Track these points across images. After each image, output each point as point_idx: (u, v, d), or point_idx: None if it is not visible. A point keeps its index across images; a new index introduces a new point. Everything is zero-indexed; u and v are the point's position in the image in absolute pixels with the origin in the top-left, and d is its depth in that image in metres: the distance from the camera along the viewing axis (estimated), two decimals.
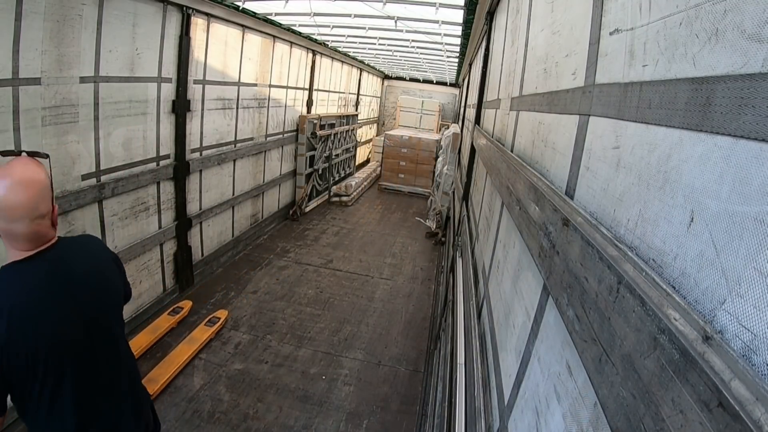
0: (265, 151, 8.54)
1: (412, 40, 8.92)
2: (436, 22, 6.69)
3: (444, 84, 17.87)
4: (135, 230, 5.14)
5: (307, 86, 10.22)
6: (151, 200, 5.38)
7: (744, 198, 0.55)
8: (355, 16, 7.03)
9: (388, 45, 10.06)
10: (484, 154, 3.66)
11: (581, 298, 0.89)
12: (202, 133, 6.28)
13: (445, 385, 3.54)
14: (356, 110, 14.85)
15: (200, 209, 6.53)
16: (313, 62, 10.26)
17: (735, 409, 0.42)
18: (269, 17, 7.18)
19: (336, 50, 11.27)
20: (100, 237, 4.58)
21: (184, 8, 5.30)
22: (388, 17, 6.79)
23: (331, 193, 12.15)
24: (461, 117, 11.83)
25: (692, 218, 0.65)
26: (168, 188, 5.68)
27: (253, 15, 6.80)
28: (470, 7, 5.25)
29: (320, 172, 11.31)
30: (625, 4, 1.04)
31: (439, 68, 13.88)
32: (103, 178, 4.52)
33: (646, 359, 0.60)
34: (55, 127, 3.85)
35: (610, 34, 1.12)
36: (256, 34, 7.37)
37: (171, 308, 5.59)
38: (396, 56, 12.22)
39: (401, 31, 7.67)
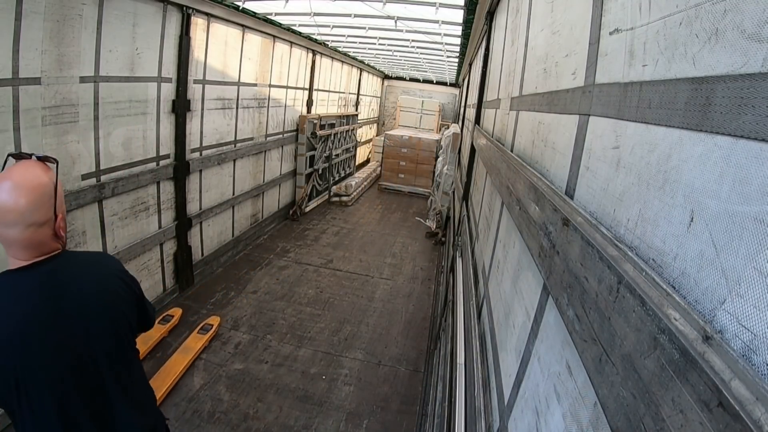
0: (265, 151, 8.54)
1: (412, 40, 8.92)
2: (436, 22, 6.69)
3: (444, 84, 17.87)
4: (135, 230, 5.14)
5: (307, 86, 10.22)
6: (151, 200, 5.38)
7: (744, 198, 0.55)
8: (355, 16, 7.03)
9: (388, 45, 10.06)
10: (484, 153, 3.66)
11: (581, 298, 0.89)
12: (202, 132, 6.28)
13: (445, 384, 3.54)
14: (356, 110, 14.85)
15: (200, 209, 6.53)
16: (313, 62, 10.26)
17: (735, 409, 0.42)
18: (269, 17, 7.18)
19: (336, 50, 11.27)
20: (99, 237, 4.58)
21: (184, 8, 5.30)
22: (388, 17, 6.79)
23: (331, 193, 12.15)
24: (461, 117, 11.83)
25: (692, 218, 0.65)
26: (168, 188, 5.68)
27: (253, 15, 6.80)
28: (470, 7, 5.25)
29: (320, 172, 11.31)
30: (625, 4, 1.04)
31: (439, 68, 13.89)
32: (103, 177, 4.52)
33: (646, 359, 0.60)
34: (55, 126, 3.85)
35: (610, 33, 1.12)
36: (256, 34, 7.37)
37: (161, 316, 5.44)
38: (396, 56, 12.22)
39: (401, 31, 7.67)
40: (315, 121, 10.34)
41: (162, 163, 5.45)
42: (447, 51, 9.55)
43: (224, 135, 6.93)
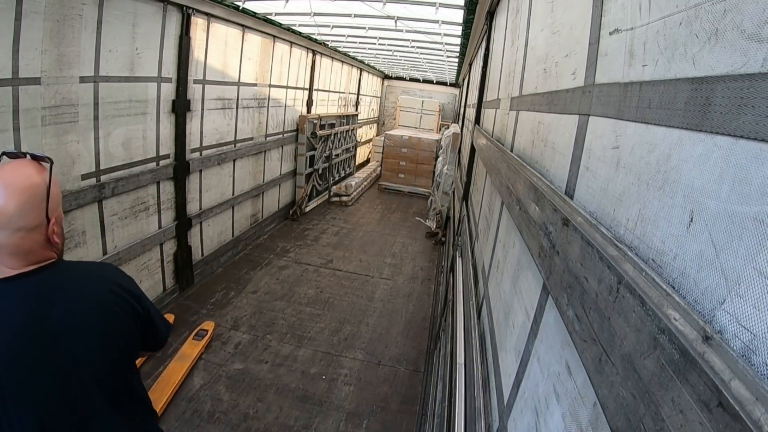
0: (265, 151, 8.54)
1: (412, 40, 8.92)
2: (436, 22, 6.69)
3: (444, 84, 17.88)
4: (135, 230, 5.15)
5: (307, 86, 10.22)
6: (151, 200, 5.38)
7: (744, 198, 0.55)
8: (355, 16, 7.03)
9: (388, 45, 10.07)
10: (484, 153, 3.66)
11: (581, 298, 0.89)
12: (202, 132, 6.28)
13: (445, 384, 3.54)
14: (356, 110, 14.85)
15: (200, 209, 6.53)
16: (313, 62, 10.26)
17: (735, 409, 0.42)
18: (269, 17, 7.18)
19: (336, 50, 11.27)
20: (99, 237, 4.58)
21: (184, 8, 5.30)
22: (388, 17, 6.79)
23: (331, 193, 12.15)
24: (461, 117, 11.84)
25: (692, 218, 0.65)
26: (168, 188, 5.68)
27: (253, 15, 6.80)
28: (470, 7, 5.25)
29: (320, 172, 11.31)
30: (625, 4, 1.04)
31: (439, 68, 13.89)
32: (103, 177, 4.52)
33: (646, 359, 0.60)
34: (55, 126, 3.85)
35: (610, 34, 1.12)
36: (256, 33, 7.37)
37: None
38: (396, 56, 12.22)
39: (401, 31, 7.67)
40: (315, 121, 10.34)
41: (162, 163, 5.45)
42: (447, 51, 9.55)
43: (224, 135, 6.93)
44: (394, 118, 18.43)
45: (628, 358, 0.65)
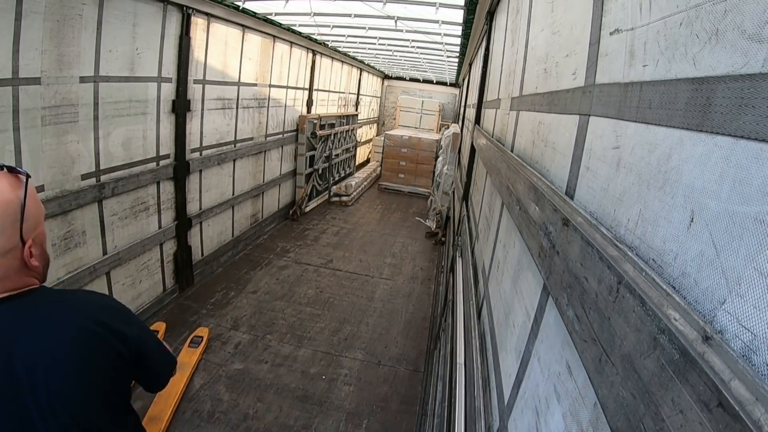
0: (265, 151, 8.54)
1: (412, 40, 8.92)
2: (436, 22, 6.69)
3: (444, 84, 17.87)
4: (135, 230, 5.15)
5: (307, 86, 10.22)
6: (150, 200, 5.38)
7: (744, 198, 0.55)
8: (355, 16, 7.03)
9: (388, 45, 10.06)
10: (484, 154, 3.66)
11: (581, 298, 0.89)
12: (202, 132, 6.28)
13: (445, 384, 3.54)
14: (356, 110, 14.85)
15: (200, 209, 6.53)
16: (313, 62, 10.26)
17: (735, 409, 0.42)
18: (269, 17, 7.18)
19: (336, 50, 11.27)
20: (99, 237, 4.58)
21: (184, 8, 5.30)
22: (388, 17, 6.78)
23: (331, 193, 12.15)
24: (461, 117, 11.83)
25: (692, 218, 0.65)
26: (168, 188, 5.68)
27: (253, 15, 6.80)
28: (470, 7, 5.25)
29: (320, 172, 11.31)
30: (625, 4, 1.04)
31: (439, 68, 13.89)
32: (103, 177, 4.52)
33: (646, 359, 0.60)
34: (55, 126, 3.85)
35: (611, 34, 1.12)
36: (256, 34, 7.37)
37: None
38: (396, 56, 12.22)
39: (401, 31, 7.67)
40: (315, 121, 10.34)
41: (162, 163, 5.45)
42: (447, 51, 9.55)
43: (224, 135, 6.93)
44: (394, 118, 18.43)
45: (628, 358, 0.65)
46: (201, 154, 6.32)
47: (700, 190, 0.65)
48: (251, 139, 7.84)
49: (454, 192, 8.62)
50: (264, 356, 5.08)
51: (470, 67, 9.13)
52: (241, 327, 5.62)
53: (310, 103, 10.50)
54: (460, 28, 6.57)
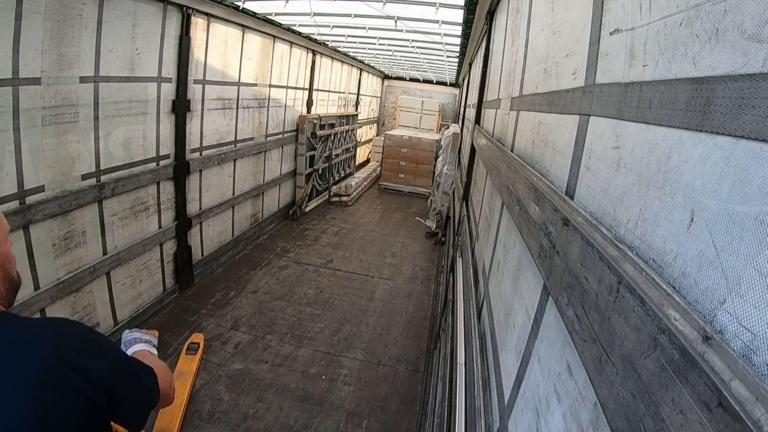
0: (265, 151, 8.54)
1: (412, 40, 8.92)
2: (436, 22, 6.69)
3: (444, 84, 17.87)
4: (135, 230, 5.15)
5: (307, 86, 10.22)
6: (151, 200, 5.38)
7: (744, 198, 0.55)
8: (355, 16, 7.03)
9: (388, 45, 10.06)
10: (484, 154, 3.66)
11: (581, 298, 0.89)
12: (202, 133, 6.28)
13: (445, 384, 3.54)
14: (356, 110, 14.85)
15: (200, 209, 6.53)
16: (313, 62, 10.26)
17: (735, 409, 0.42)
18: (269, 17, 7.18)
19: (336, 50, 11.27)
20: (99, 237, 4.58)
21: (184, 8, 5.30)
22: (388, 17, 6.78)
23: (331, 193, 12.15)
24: (461, 117, 11.84)
25: (692, 218, 0.65)
26: (168, 188, 5.68)
27: (253, 15, 6.80)
28: (470, 7, 5.25)
29: (320, 172, 11.31)
30: (625, 4, 1.04)
31: (439, 68, 13.89)
32: (103, 177, 4.52)
33: (646, 359, 0.60)
34: (55, 126, 3.85)
35: (611, 34, 1.12)
36: (256, 34, 7.37)
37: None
38: (396, 56, 12.22)
39: (401, 31, 7.67)
40: (315, 121, 10.34)
41: (162, 163, 5.45)
42: (447, 51, 9.54)
43: (224, 135, 6.93)
44: (394, 118, 18.43)
45: (628, 358, 0.65)
46: (201, 154, 6.32)
47: (700, 190, 0.65)
48: (251, 139, 7.84)
49: (454, 192, 8.62)
50: (264, 356, 5.08)
51: (470, 67, 9.13)
52: (241, 327, 5.62)
53: (310, 103, 10.50)
54: (460, 28, 6.57)
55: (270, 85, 8.24)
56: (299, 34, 8.68)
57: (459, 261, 4.64)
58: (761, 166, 0.52)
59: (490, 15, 4.83)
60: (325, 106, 11.92)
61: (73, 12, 3.81)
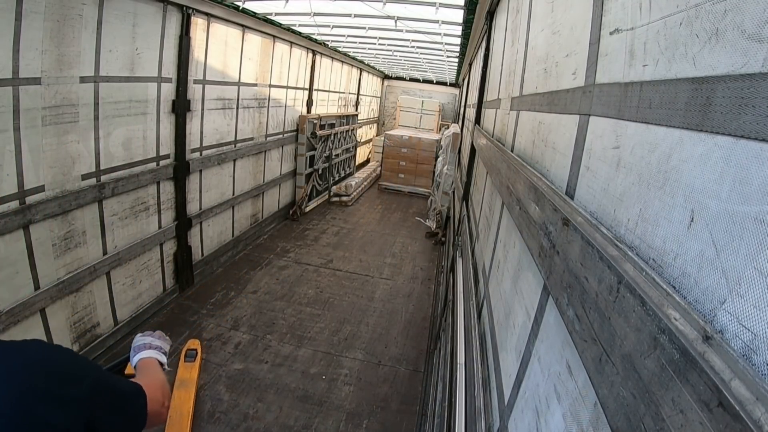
0: (265, 151, 8.54)
1: (412, 40, 8.92)
2: (436, 22, 6.68)
3: (444, 84, 17.87)
4: (135, 230, 5.14)
5: (307, 86, 10.22)
6: (151, 200, 5.38)
7: (744, 198, 0.55)
8: (355, 16, 7.03)
9: (388, 45, 10.06)
10: (484, 153, 3.66)
11: (581, 297, 0.89)
12: (202, 133, 6.28)
13: (445, 384, 3.54)
14: (356, 110, 14.85)
15: (200, 209, 6.53)
16: (313, 62, 10.26)
17: (735, 409, 0.42)
18: (269, 17, 7.18)
19: (336, 50, 11.27)
20: (99, 237, 4.58)
21: (184, 8, 5.30)
22: (388, 17, 6.78)
23: (331, 193, 12.15)
24: (461, 117, 11.83)
25: (692, 218, 0.65)
26: (168, 188, 5.68)
27: (253, 15, 6.80)
28: (470, 7, 5.25)
29: (320, 172, 11.31)
30: (625, 4, 1.04)
31: (439, 68, 13.88)
32: (103, 177, 4.52)
33: (647, 359, 0.60)
34: (55, 126, 3.85)
35: (611, 34, 1.12)
36: (256, 34, 7.37)
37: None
38: (396, 56, 12.22)
39: (401, 31, 7.66)
40: (315, 121, 10.35)
41: (162, 163, 5.45)
42: (447, 51, 9.54)
43: (224, 135, 6.93)
44: (394, 118, 18.43)
45: (629, 358, 0.65)
46: (201, 154, 6.32)
47: (700, 190, 0.65)
48: (251, 139, 7.84)
49: (454, 192, 8.62)
50: (264, 356, 5.08)
51: (470, 67, 9.13)
52: (241, 327, 5.62)
53: (310, 103, 10.50)
54: (460, 28, 6.56)
55: (270, 85, 8.24)
56: (299, 34, 8.68)
57: (459, 261, 4.64)
58: (761, 165, 0.52)
59: (490, 15, 4.83)
60: (325, 106, 11.92)
61: (73, 12, 3.81)
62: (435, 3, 5.65)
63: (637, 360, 0.63)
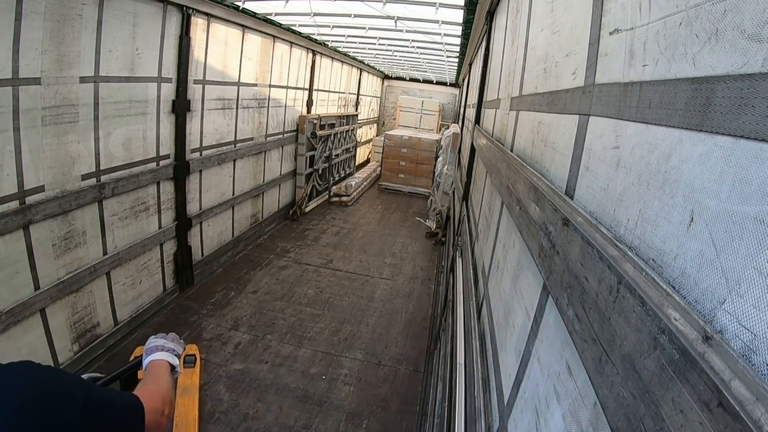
0: (265, 151, 8.54)
1: (412, 40, 8.92)
2: (436, 22, 6.68)
3: (444, 84, 17.87)
4: (135, 230, 5.14)
5: (307, 86, 10.22)
6: (151, 200, 5.38)
7: (744, 198, 0.55)
8: (355, 16, 7.03)
9: (388, 45, 10.06)
10: (484, 153, 3.66)
11: (581, 298, 0.89)
12: (202, 133, 6.28)
13: (445, 384, 3.54)
14: (356, 110, 14.85)
15: (200, 209, 6.53)
16: (313, 62, 10.26)
17: (735, 409, 0.42)
18: (269, 17, 7.18)
19: (336, 50, 11.27)
20: (99, 237, 4.58)
21: (184, 8, 5.30)
22: (388, 17, 6.78)
23: (331, 193, 12.15)
24: (461, 117, 11.84)
25: (692, 218, 0.65)
26: (168, 188, 5.68)
27: (253, 15, 6.80)
28: (470, 7, 5.25)
29: (320, 172, 11.31)
30: (625, 4, 1.04)
31: (439, 68, 13.88)
32: (103, 178, 4.52)
33: (646, 359, 0.60)
34: (55, 126, 3.85)
35: (610, 33, 1.12)
36: (256, 34, 7.37)
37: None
38: (396, 56, 12.22)
39: (401, 31, 7.66)
40: (315, 121, 10.35)
41: (162, 163, 5.45)
42: (447, 51, 9.54)
43: (224, 135, 6.93)
44: (394, 118, 18.43)
45: (629, 358, 0.65)
46: (201, 154, 6.32)
47: (699, 190, 0.65)
48: (251, 139, 7.84)
49: (454, 192, 8.62)
50: (264, 356, 5.08)
51: (470, 67, 9.13)
52: (241, 327, 5.62)
53: (310, 103, 10.50)
54: (460, 28, 6.56)
55: (270, 85, 8.24)
56: (299, 34, 8.68)
57: (459, 261, 4.64)
58: (761, 166, 0.52)
59: (490, 15, 4.83)
60: (325, 106, 11.92)
61: (73, 12, 3.81)
62: (435, 3, 5.65)
63: (637, 360, 0.63)
